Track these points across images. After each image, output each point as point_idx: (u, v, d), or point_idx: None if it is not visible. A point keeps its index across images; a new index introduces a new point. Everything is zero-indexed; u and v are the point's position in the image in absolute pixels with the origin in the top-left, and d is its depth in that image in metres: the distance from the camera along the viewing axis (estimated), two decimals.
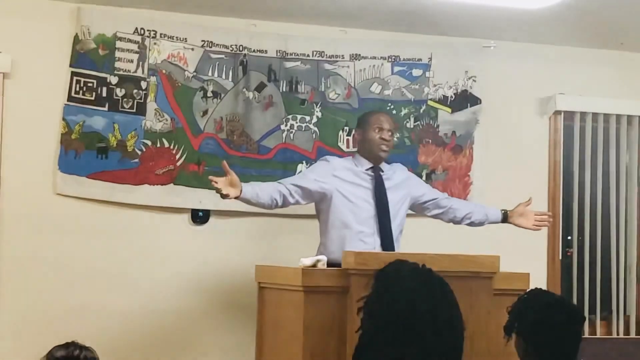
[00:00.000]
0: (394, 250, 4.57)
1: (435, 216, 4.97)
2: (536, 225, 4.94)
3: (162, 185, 5.20)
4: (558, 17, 5.31)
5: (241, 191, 4.42)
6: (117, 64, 5.20)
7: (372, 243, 4.61)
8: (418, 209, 4.97)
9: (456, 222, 4.96)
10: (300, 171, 5.28)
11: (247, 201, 4.54)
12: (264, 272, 4.14)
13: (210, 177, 4.42)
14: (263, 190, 4.55)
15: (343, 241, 4.58)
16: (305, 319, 3.53)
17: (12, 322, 4.99)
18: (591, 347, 5.63)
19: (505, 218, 4.92)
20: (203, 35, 5.33)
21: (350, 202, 4.65)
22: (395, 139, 5.53)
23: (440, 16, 5.29)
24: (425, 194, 4.92)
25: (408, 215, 4.99)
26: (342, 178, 4.68)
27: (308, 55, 5.49)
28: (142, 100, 5.23)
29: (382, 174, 4.74)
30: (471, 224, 4.95)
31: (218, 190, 4.35)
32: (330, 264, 4.22)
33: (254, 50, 5.40)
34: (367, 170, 4.72)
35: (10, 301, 5.01)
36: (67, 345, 3.21)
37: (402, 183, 4.84)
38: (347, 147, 5.51)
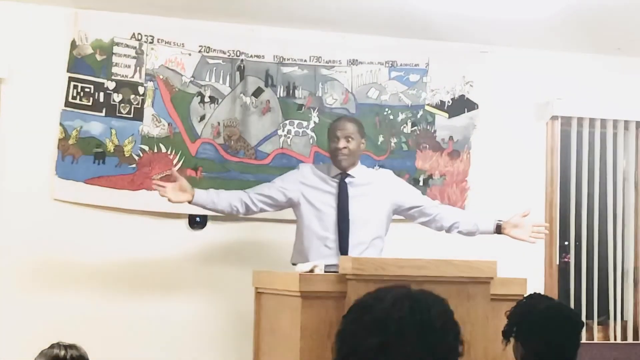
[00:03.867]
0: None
1: (422, 224, 4.98)
2: (533, 237, 4.83)
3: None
4: (555, 23, 5.32)
5: (193, 196, 4.62)
6: (115, 69, 5.20)
7: (335, 248, 4.70)
8: (404, 215, 5.00)
9: (445, 231, 4.94)
10: None
11: (202, 206, 4.75)
12: (262, 278, 4.14)
13: (155, 182, 4.67)
14: (222, 198, 4.74)
15: (309, 246, 4.73)
16: (302, 324, 3.53)
17: (9, 327, 4.98)
18: (588, 353, 5.63)
19: (499, 229, 4.83)
20: (200, 41, 5.33)
21: (316, 209, 4.76)
22: (392, 144, 5.57)
23: (438, 22, 5.29)
24: (408, 201, 4.92)
25: (402, 221, 5.00)
26: (309, 185, 4.79)
27: (305, 61, 5.49)
28: (139, 106, 5.23)
29: (352, 179, 4.81)
30: (461, 234, 4.93)
31: (162, 194, 4.57)
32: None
33: (251, 56, 5.40)
34: (334, 176, 4.81)
35: (7, 306, 5.00)
36: (52, 347, 3.22)
37: (381, 188, 4.87)
38: None
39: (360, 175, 4.86)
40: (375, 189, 4.85)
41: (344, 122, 4.93)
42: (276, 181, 4.86)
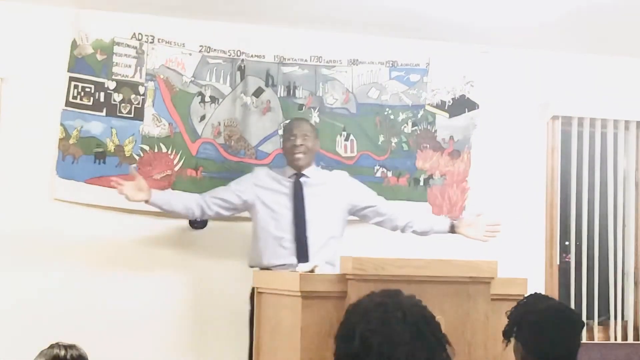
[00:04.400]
0: (307, 256, 4.73)
1: (377, 224, 5.05)
2: (486, 237, 4.90)
3: (160, 190, 5.19)
4: (555, 23, 5.32)
5: (150, 196, 4.71)
6: (115, 69, 5.20)
7: (291, 248, 4.78)
8: (359, 215, 5.06)
9: (399, 230, 5.02)
10: None
11: (159, 207, 4.82)
12: (262, 278, 4.13)
13: (114, 180, 4.72)
14: (178, 200, 4.88)
15: (265, 247, 4.81)
16: (302, 324, 3.52)
17: (9, 327, 4.98)
18: (589, 353, 5.63)
19: (453, 229, 4.93)
20: (201, 40, 5.33)
21: (271, 210, 4.83)
22: (393, 143, 5.56)
23: (438, 22, 5.29)
24: (363, 200, 5.00)
25: None
26: (264, 187, 4.87)
27: (306, 60, 5.49)
28: (139, 106, 5.23)
29: (307, 179, 4.88)
30: (415, 233, 5.00)
31: (120, 192, 4.65)
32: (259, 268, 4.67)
33: (251, 55, 5.40)
34: (289, 177, 4.88)
35: (7, 306, 5.00)
36: (51, 347, 3.22)
37: (336, 189, 4.95)
38: (345, 152, 5.51)
39: (315, 176, 4.94)
40: (329, 189, 4.94)
41: (300, 121, 5.05)
42: (232, 184, 4.93)
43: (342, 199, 4.94)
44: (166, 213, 4.95)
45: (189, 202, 4.86)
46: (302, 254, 4.75)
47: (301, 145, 4.86)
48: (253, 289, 4.77)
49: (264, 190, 4.86)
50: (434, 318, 2.37)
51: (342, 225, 4.94)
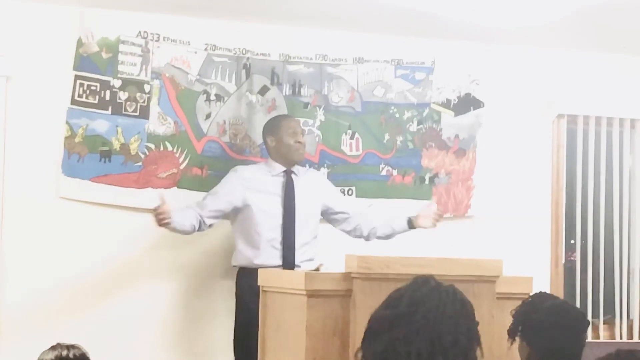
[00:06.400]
0: (293, 257, 4.79)
1: (342, 230, 5.08)
2: (433, 223, 4.95)
3: (165, 188, 5.19)
4: (561, 21, 5.31)
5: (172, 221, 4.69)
6: (121, 67, 5.20)
7: (280, 249, 4.82)
8: (328, 219, 5.09)
9: (364, 239, 5.04)
10: None
11: (173, 229, 4.74)
12: (267, 276, 4.14)
13: (162, 215, 4.61)
14: (186, 221, 4.77)
15: (256, 247, 4.81)
16: (308, 322, 3.53)
17: (14, 325, 4.98)
18: (594, 351, 5.61)
19: (411, 224, 4.97)
20: (206, 39, 5.33)
21: (261, 210, 4.84)
22: (398, 142, 5.57)
23: (443, 20, 5.29)
24: (338, 205, 5.06)
25: None
26: (251, 187, 4.87)
27: (311, 59, 5.49)
28: (145, 104, 5.23)
29: (295, 176, 4.94)
30: (380, 238, 5.03)
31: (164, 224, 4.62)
32: (244, 268, 4.76)
33: (257, 54, 5.40)
34: (279, 174, 4.91)
35: (12, 304, 5.00)
36: (53, 348, 3.22)
37: (316, 187, 5.02)
38: (350, 150, 5.51)
39: (301, 172, 5.01)
40: (310, 186, 4.99)
41: (293, 119, 5.12)
42: (219, 192, 4.89)
43: (320, 198, 5.00)
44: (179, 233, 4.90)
45: (193, 220, 4.79)
46: (289, 254, 4.79)
47: (304, 143, 4.97)
48: (236, 286, 4.81)
49: (252, 190, 4.85)
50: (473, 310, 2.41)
51: (318, 224, 5.01)
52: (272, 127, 5.04)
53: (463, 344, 2.29)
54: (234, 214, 4.92)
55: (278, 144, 4.97)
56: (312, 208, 4.96)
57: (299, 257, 4.83)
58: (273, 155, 4.99)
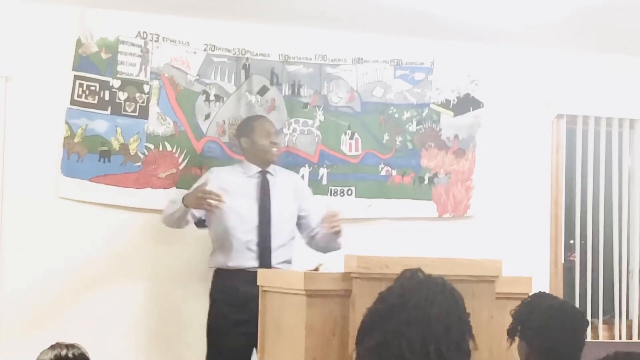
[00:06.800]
0: (269, 259, 4.75)
1: (302, 238, 5.01)
2: (332, 229, 4.73)
3: (164, 188, 5.20)
4: (561, 21, 5.31)
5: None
6: (120, 68, 5.20)
7: (256, 251, 4.78)
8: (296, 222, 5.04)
9: (307, 245, 5.01)
10: (303, 175, 5.34)
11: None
12: (266, 276, 4.13)
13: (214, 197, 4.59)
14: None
15: (230, 249, 4.78)
16: (307, 322, 3.52)
17: (13, 325, 4.98)
18: (593, 351, 5.61)
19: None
20: (205, 39, 5.33)
21: (236, 212, 4.79)
22: (398, 142, 5.57)
23: (443, 20, 5.29)
24: (307, 210, 4.96)
25: (414, 218, 5.00)
26: (228, 189, 4.80)
27: (311, 59, 5.50)
28: (144, 104, 5.23)
29: (272, 176, 4.90)
30: (314, 247, 4.97)
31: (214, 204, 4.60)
32: (220, 269, 4.76)
33: (256, 54, 5.40)
34: (254, 175, 4.89)
35: (12, 304, 5.01)
36: (52, 348, 3.22)
37: (293, 188, 4.98)
38: (350, 150, 5.51)
39: (277, 172, 4.97)
40: (289, 187, 4.96)
41: (266, 119, 5.08)
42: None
43: (296, 200, 4.96)
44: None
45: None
46: (265, 256, 4.76)
47: (278, 143, 4.96)
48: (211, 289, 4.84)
49: (229, 192, 4.78)
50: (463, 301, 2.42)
51: (295, 226, 4.98)
52: (246, 128, 5.01)
53: (455, 333, 2.30)
54: (210, 216, 4.85)
55: (252, 145, 4.94)
56: (289, 209, 4.92)
57: (275, 259, 4.79)
58: (248, 157, 4.97)
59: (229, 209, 4.77)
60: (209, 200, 4.60)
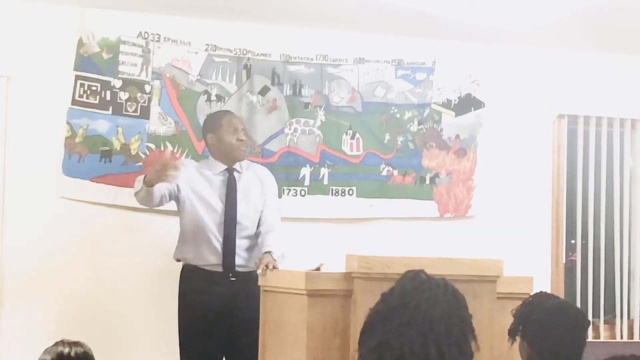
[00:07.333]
0: (233, 257, 4.64)
1: None
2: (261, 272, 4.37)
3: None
4: (561, 21, 5.31)
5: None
6: (121, 68, 5.20)
7: (220, 250, 4.66)
8: None
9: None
10: (304, 175, 5.33)
11: (151, 193, 4.53)
12: (268, 276, 4.14)
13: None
14: (160, 188, 4.57)
15: (198, 245, 4.68)
16: (308, 322, 3.52)
17: (14, 325, 4.99)
18: (595, 351, 5.61)
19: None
20: (207, 39, 5.33)
21: (200, 211, 4.68)
22: (399, 142, 5.57)
23: (444, 20, 5.29)
24: (266, 213, 4.79)
25: (416, 218, 4.98)
26: (195, 185, 4.71)
27: (312, 59, 5.50)
28: (145, 104, 5.24)
29: (238, 174, 4.76)
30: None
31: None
32: (188, 265, 4.66)
33: (257, 54, 5.41)
34: (220, 172, 4.76)
35: (13, 303, 5.01)
36: (56, 345, 3.22)
37: (259, 186, 4.82)
38: (351, 150, 5.51)
39: (243, 169, 4.82)
40: (255, 185, 4.81)
41: (234, 115, 4.94)
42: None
43: (261, 198, 4.81)
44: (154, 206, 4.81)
45: (163, 190, 4.62)
46: (229, 254, 4.66)
47: (245, 140, 4.80)
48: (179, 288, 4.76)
49: (195, 188, 4.70)
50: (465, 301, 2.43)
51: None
52: (213, 124, 4.84)
53: (456, 335, 2.30)
54: (178, 207, 4.76)
55: (219, 142, 4.77)
56: (255, 208, 4.78)
57: (239, 260, 4.69)
58: (214, 154, 4.82)
59: (193, 206, 4.67)
60: (166, 173, 4.42)
